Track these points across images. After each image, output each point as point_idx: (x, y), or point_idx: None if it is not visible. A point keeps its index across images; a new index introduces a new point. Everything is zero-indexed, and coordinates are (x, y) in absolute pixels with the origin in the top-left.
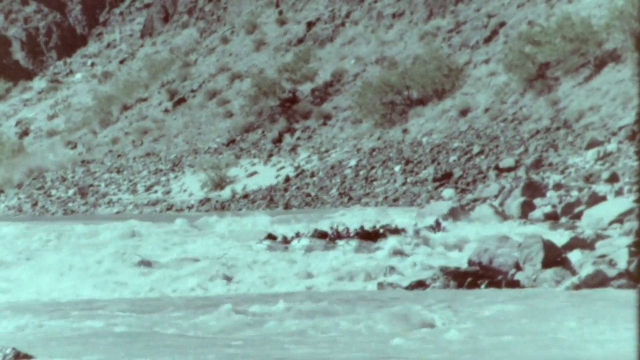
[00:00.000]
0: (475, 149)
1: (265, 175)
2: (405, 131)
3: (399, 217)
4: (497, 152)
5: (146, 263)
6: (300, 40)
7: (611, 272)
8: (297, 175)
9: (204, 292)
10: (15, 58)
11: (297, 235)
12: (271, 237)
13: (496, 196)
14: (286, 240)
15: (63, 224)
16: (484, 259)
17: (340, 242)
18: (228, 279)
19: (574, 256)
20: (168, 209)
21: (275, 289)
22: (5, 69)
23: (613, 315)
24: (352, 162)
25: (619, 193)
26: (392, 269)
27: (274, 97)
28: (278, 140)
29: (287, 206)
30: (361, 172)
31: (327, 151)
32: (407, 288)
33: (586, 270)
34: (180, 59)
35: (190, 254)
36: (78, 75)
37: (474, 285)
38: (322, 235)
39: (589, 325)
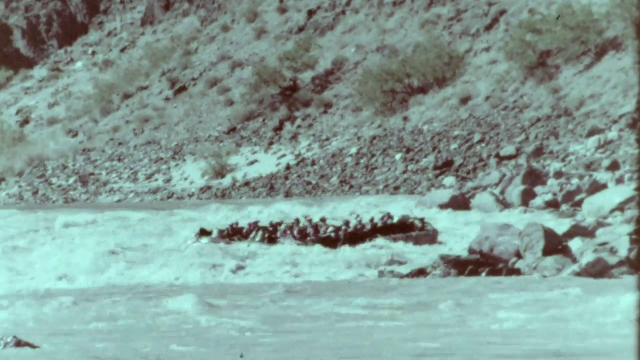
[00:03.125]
0: (476, 137)
1: (266, 163)
2: (405, 119)
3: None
4: (497, 140)
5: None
6: (301, 29)
7: (612, 260)
8: (297, 163)
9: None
10: (16, 46)
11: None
12: (204, 232)
13: (497, 184)
14: (236, 232)
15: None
16: (485, 247)
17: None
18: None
19: (575, 244)
20: (169, 197)
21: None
22: (6, 57)
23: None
24: (353, 150)
25: (619, 181)
26: (392, 256)
27: (275, 85)
28: (279, 128)
29: (287, 194)
30: (362, 160)
31: (327, 139)
32: (407, 276)
33: (587, 258)
34: (181, 47)
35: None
36: (79, 64)
37: (474, 273)
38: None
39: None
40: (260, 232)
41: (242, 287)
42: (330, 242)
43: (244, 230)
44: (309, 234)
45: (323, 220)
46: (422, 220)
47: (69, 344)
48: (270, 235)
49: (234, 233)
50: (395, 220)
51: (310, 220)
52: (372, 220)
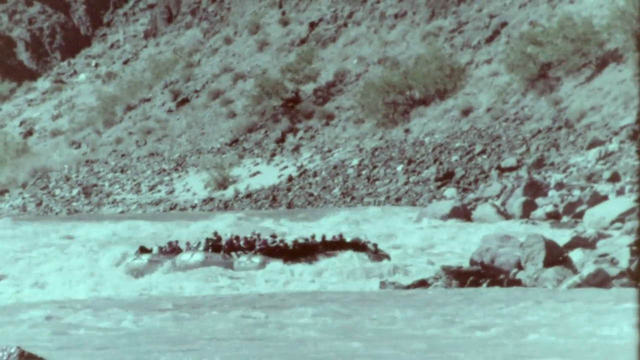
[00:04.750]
0: (477, 148)
1: (268, 174)
2: (407, 131)
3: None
4: (499, 152)
5: None
6: (303, 41)
7: (612, 271)
8: (299, 175)
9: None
10: (20, 59)
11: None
12: (144, 250)
13: (498, 196)
14: (173, 250)
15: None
16: (486, 258)
17: (242, 259)
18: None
19: (576, 255)
20: (172, 209)
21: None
22: (9, 69)
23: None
24: (355, 162)
25: (620, 192)
26: (395, 267)
27: (277, 97)
28: (281, 140)
29: (290, 205)
30: (363, 172)
31: (329, 151)
32: (409, 287)
33: (588, 269)
34: (184, 60)
35: None
36: (82, 76)
37: (475, 284)
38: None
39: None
40: (203, 242)
41: (228, 297)
42: (278, 253)
43: (184, 249)
44: (255, 245)
45: (274, 235)
46: (375, 245)
47: (73, 356)
48: (215, 244)
49: (172, 250)
50: (349, 240)
51: (259, 235)
52: (323, 237)
